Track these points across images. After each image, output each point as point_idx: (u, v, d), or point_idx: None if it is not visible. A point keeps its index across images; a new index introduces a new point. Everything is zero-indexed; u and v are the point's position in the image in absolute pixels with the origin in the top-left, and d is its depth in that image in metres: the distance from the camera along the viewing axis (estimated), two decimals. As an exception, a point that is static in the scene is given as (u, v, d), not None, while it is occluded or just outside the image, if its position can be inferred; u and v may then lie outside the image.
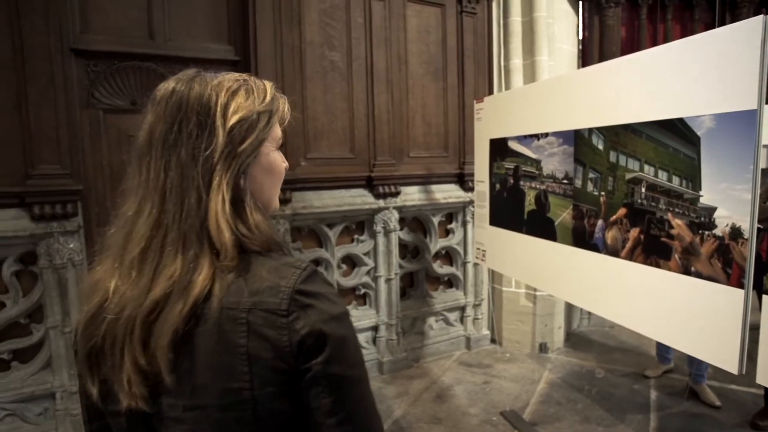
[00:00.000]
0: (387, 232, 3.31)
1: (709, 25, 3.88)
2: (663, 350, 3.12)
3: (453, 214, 3.71)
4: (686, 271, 1.55)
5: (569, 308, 3.86)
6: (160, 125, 0.63)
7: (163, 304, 0.59)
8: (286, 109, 0.71)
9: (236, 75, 0.68)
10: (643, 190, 1.71)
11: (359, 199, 3.20)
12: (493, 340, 3.81)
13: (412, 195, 3.43)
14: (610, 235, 1.87)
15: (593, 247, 1.97)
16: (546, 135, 2.26)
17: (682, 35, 3.90)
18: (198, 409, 0.59)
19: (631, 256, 1.77)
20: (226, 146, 0.63)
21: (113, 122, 2.61)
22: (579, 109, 2.01)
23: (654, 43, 3.89)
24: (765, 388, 2.58)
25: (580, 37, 3.91)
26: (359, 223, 3.30)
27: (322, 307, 0.61)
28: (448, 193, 3.58)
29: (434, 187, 3.54)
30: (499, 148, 2.69)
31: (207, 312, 0.59)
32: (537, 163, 2.34)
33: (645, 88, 1.67)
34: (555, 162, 2.20)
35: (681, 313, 1.57)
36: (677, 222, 1.58)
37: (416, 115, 3.43)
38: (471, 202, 3.62)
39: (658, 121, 1.62)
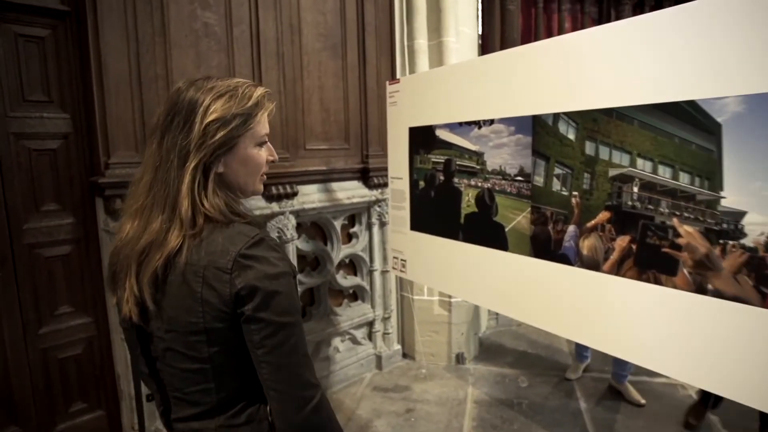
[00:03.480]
0: (283, 243, 2.68)
1: (596, 21, 3.95)
2: (581, 348, 3.04)
3: (356, 215, 3.21)
4: (699, 289, 1.26)
5: (477, 312, 3.64)
6: (162, 114, 0.86)
7: (148, 251, 0.82)
8: (270, 110, 0.91)
9: (234, 81, 0.87)
10: (636, 189, 1.40)
11: (250, 203, 2.50)
12: (404, 355, 3.41)
13: (311, 195, 2.84)
14: (587, 245, 1.54)
15: (561, 258, 1.63)
16: (491, 122, 1.87)
17: (573, 28, 3.91)
18: (172, 332, 0.84)
19: (617, 270, 1.45)
20: (200, 138, 0.82)
21: None
22: (539, 90, 1.64)
23: (549, 33, 3.83)
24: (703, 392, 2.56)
25: (480, 22, 3.68)
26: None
27: (259, 268, 0.80)
28: (351, 191, 3.06)
29: (335, 185, 2.99)
30: (422, 137, 2.25)
31: (177, 264, 0.81)
32: (479, 156, 1.95)
33: (636, 64, 1.34)
34: (504, 155, 1.83)
35: (690, 339, 1.29)
36: (686, 229, 1.28)
37: (312, 98, 2.83)
38: (376, 202, 3.16)
39: (658, 104, 1.31)
